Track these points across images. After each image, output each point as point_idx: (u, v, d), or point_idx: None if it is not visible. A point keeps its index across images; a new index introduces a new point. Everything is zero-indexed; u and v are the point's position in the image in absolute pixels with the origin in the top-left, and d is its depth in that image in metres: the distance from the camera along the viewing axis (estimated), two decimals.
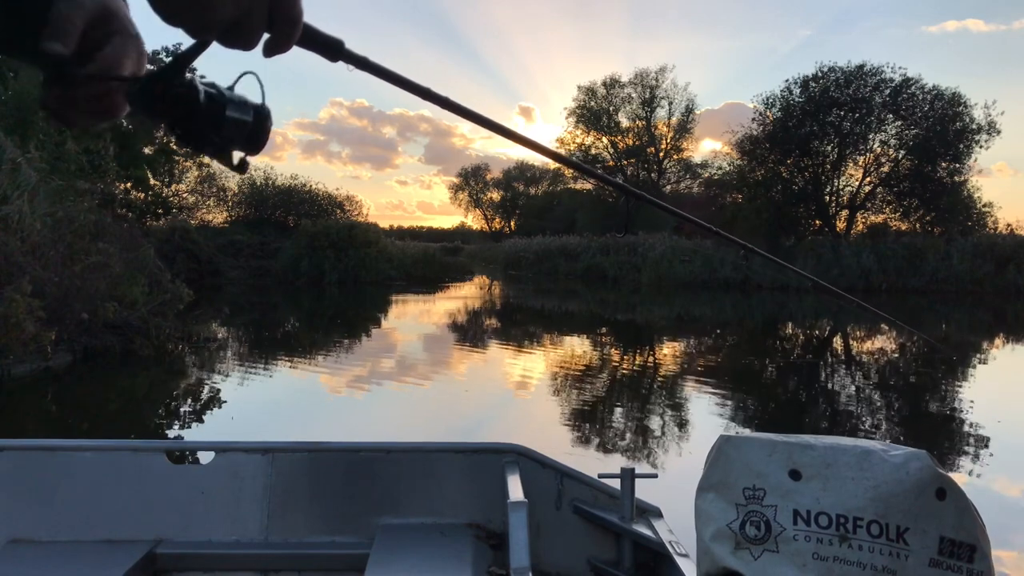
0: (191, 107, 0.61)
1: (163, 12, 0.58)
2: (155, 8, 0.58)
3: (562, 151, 44.30)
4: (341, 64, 0.69)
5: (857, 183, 28.49)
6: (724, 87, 79.96)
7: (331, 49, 0.66)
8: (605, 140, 43.58)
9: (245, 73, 0.65)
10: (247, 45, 0.60)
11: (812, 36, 70.45)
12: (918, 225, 27.32)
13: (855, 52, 73.52)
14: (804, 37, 72.69)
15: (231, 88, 0.65)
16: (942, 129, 25.96)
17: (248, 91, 0.66)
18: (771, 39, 78.18)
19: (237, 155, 0.67)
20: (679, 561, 1.76)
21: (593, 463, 5.25)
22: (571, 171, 45.10)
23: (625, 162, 43.42)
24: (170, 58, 0.64)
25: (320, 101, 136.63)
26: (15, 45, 0.64)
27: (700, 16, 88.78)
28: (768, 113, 28.60)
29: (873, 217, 28.97)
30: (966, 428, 6.51)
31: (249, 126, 0.64)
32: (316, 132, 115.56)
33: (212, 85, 0.64)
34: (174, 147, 24.72)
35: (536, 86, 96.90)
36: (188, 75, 0.63)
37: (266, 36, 0.61)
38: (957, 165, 26.60)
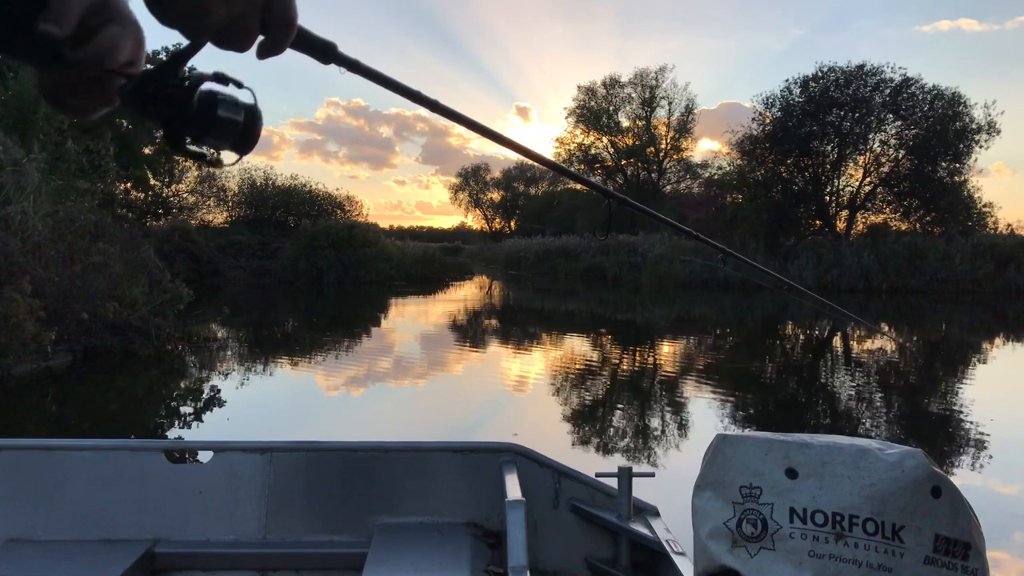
0: (182, 107, 0.62)
1: (159, 14, 0.58)
2: (151, 10, 0.58)
3: (562, 151, 44.34)
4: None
5: (857, 183, 28.47)
6: (719, 87, 79.91)
7: (324, 52, 0.67)
8: (605, 140, 43.61)
9: (235, 81, 0.65)
10: (241, 47, 0.61)
11: (806, 36, 70.53)
12: (918, 225, 27.29)
13: (850, 51, 73.72)
14: (798, 37, 72.77)
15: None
16: (942, 129, 25.93)
17: (238, 90, 0.66)
18: (765, 38, 78.11)
19: (229, 155, 0.67)
20: (676, 559, 1.76)
21: (591, 462, 5.26)
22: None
23: (625, 162, 43.44)
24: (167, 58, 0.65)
25: (316, 101, 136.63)
26: (8, 40, 0.63)
27: (691, 15, 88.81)
28: (767, 113, 28.59)
29: (873, 217, 28.94)
30: (961, 427, 6.51)
31: (240, 126, 0.65)
32: (313, 132, 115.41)
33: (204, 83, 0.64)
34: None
35: (532, 86, 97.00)
36: (184, 74, 0.64)
37: (260, 38, 0.61)
38: (957, 165, 26.58)
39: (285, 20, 0.61)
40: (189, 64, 0.66)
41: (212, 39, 0.60)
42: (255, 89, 0.67)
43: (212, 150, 0.66)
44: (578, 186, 46.52)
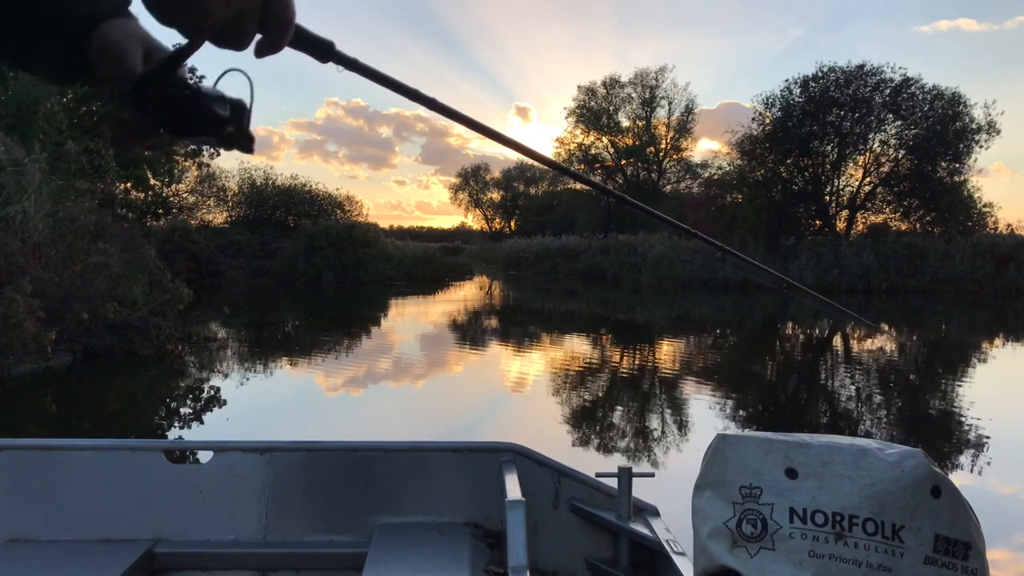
0: (181, 106, 0.62)
1: (158, 14, 0.58)
2: (150, 10, 0.59)
3: (562, 151, 44.46)
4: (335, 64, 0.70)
5: (857, 183, 28.46)
6: (719, 87, 79.82)
7: (321, 50, 0.67)
8: (605, 140, 43.62)
9: (230, 70, 0.66)
10: (239, 46, 0.61)
11: (805, 36, 70.49)
12: (918, 225, 27.28)
13: (849, 51, 73.79)
14: (797, 37, 72.71)
15: (215, 83, 0.66)
16: (942, 129, 25.92)
17: (232, 86, 0.67)
18: (764, 38, 78.03)
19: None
20: (676, 559, 1.76)
21: (591, 462, 5.26)
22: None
23: (625, 162, 43.44)
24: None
25: (316, 101, 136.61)
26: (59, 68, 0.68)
27: (691, 15, 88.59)
28: (767, 113, 28.58)
29: (873, 217, 28.92)
30: (961, 427, 6.51)
31: (226, 121, 0.65)
32: (312, 132, 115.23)
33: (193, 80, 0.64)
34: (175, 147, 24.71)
35: (531, 87, 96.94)
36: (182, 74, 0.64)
37: (258, 37, 0.61)
38: (957, 165, 26.57)
39: (283, 19, 0.61)
40: (189, 64, 0.66)
41: (211, 38, 0.60)
42: (256, 88, 0.67)
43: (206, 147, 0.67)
44: (578, 186, 46.59)
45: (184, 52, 0.63)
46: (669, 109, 41.80)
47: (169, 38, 0.67)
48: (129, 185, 22.85)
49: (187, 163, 26.31)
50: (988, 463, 5.40)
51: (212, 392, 7.71)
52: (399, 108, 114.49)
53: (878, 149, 27.87)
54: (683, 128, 42.13)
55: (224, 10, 0.58)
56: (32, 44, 0.64)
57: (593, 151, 44.07)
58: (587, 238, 32.35)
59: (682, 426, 6.61)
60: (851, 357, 11.54)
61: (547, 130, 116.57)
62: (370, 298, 20.75)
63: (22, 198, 9.43)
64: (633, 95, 42.17)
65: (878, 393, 8.51)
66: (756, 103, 29.46)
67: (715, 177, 35.08)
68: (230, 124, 0.65)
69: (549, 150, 46.27)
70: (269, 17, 0.61)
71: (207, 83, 0.66)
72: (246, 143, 0.67)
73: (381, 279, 24.46)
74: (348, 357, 10.47)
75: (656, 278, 25.96)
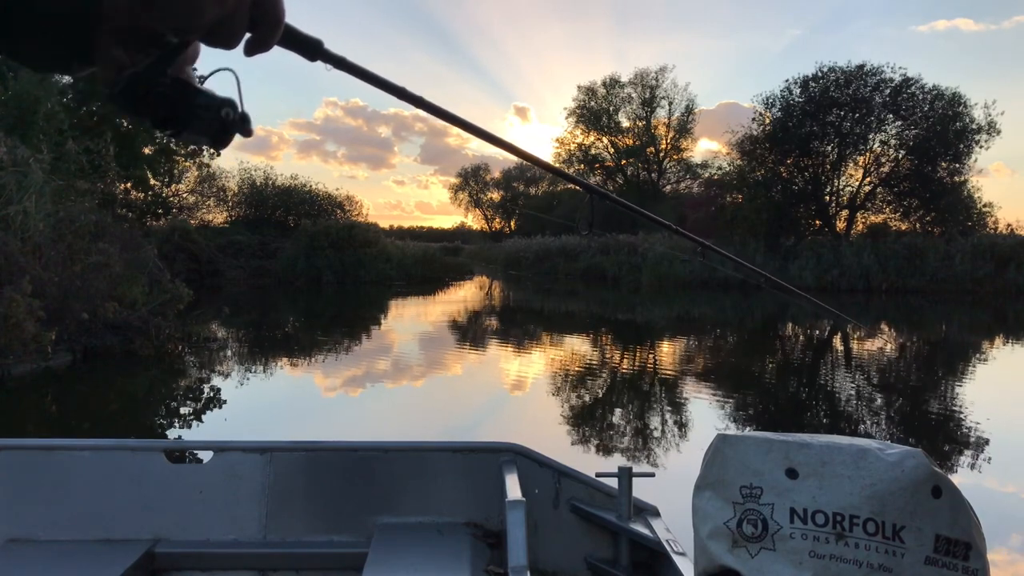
0: (172, 106, 0.62)
1: (150, 13, 0.58)
2: (142, 9, 0.58)
3: (561, 151, 44.48)
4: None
5: (857, 183, 28.47)
6: (717, 87, 79.74)
7: (310, 49, 0.68)
8: (605, 140, 43.63)
9: (220, 69, 0.65)
10: (229, 45, 0.61)
11: (803, 36, 70.54)
12: (918, 225, 27.28)
13: (848, 52, 73.76)
14: (795, 37, 72.74)
15: (202, 81, 0.66)
16: (942, 129, 25.92)
17: (222, 85, 0.66)
18: (762, 39, 78.03)
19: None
20: (676, 559, 1.76)
21: (591, 462, 5.26)
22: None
23: (625, 162, 43.45)
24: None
25: (315, 101, 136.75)
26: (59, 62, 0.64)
27: (689, 15, 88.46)
28: (767, 113, 28.58)
29: (873, 217, 28.94)
30: (961, 426, 6.50)
31: (216, 122, 0.65)
32: (311, 132, 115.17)
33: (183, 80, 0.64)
34: (174, 147, 24.74)
35: (531, 87, 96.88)
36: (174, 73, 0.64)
37: (247, 36, 0.62)
38: (957, 165, 26.58)
39: (274, 17, 0.62)
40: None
41: (201, 37, 0.60)
42: (254, 88, 0.67)
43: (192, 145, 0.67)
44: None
45: (174, 51, 0.62)
46: (669, 109, 41.85)
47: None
48: (129, 185, 22.86)
49: (187, 163, 26.30)
50: (988, 463, 5.40)
51: (212, 392, 7.71)
52: (398, 108, 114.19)
53: (878, 149, 27.89)
54: (683, 128, 42.16)
55: (217, 9, 0.57)
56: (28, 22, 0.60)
57: (593, 151, 44.11)
58: (585, 237, 32.30)
59: (682, 426, 6.61)
60: (851, 357, 11.54)
61: (546, 130, 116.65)
62: (370, 298, 20.75)
63: (23, 198, 9.43)
64: (633, 95, 42.22)
65: (878, 393, 8.51)
66: (756, 103, 29.52)
67: (715, 177, 35.10)
68: (218, 125, 0.65)
69: (549, 150, 46.34)
70: (260, 15, 0.61)
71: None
72: (224, 144, 0.67)
73: (381, 279, 24.46)
74: (348, 357, 10.47)
75: (656, 278, 25.95)
